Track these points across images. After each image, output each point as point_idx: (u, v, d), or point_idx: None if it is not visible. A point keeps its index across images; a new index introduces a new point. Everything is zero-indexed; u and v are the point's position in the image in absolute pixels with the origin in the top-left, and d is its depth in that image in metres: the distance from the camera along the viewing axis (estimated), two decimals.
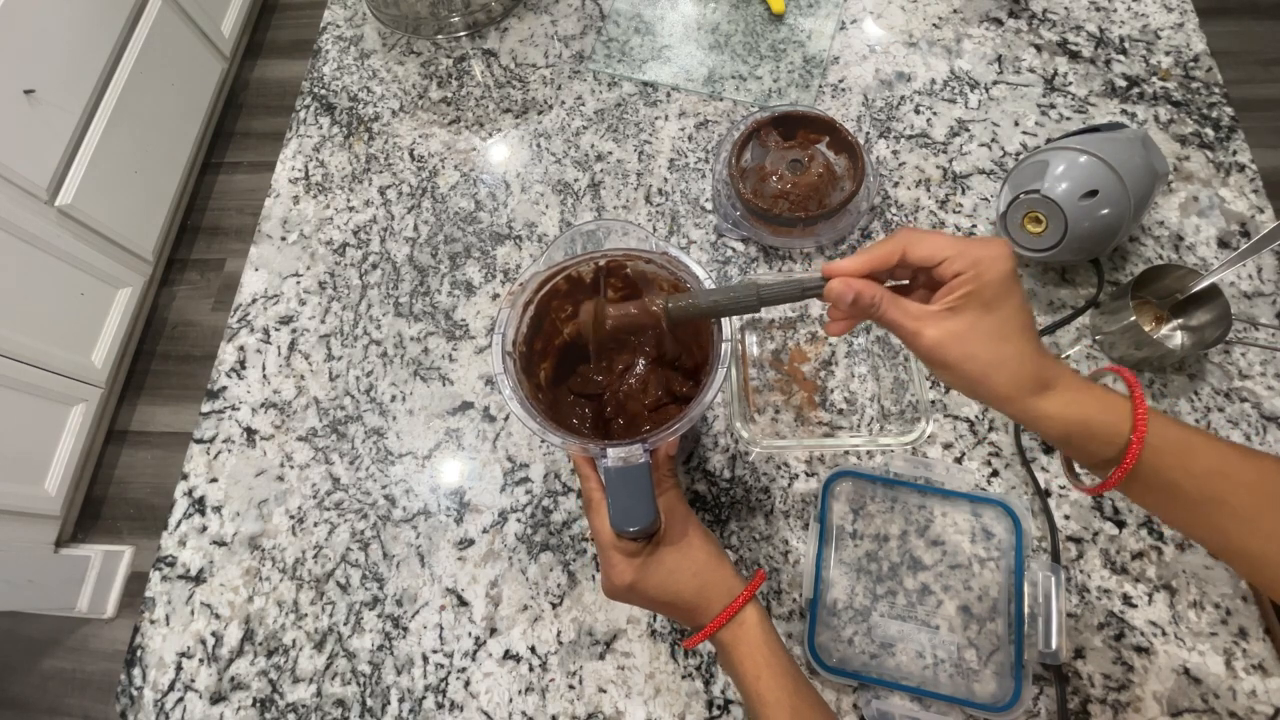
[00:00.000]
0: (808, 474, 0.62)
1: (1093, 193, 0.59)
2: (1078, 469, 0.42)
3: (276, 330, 0.72)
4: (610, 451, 0.42)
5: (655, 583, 0.43)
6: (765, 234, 0.70)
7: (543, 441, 0.62)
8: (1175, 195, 0.71)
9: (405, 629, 0.59)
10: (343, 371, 0.70)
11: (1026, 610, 0.55)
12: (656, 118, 0.80)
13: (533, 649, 0.58)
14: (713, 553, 0.45)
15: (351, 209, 0.78)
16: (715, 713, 0.55)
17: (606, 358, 0.61)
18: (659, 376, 0.60)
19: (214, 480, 0.66)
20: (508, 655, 0.58)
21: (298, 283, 0.74)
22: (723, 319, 0.47)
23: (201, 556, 0.63)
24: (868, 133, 0.77)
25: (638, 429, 0.58)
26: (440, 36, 0.88)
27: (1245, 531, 0.36)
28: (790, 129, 0.72)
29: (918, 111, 0.77)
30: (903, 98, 0.78)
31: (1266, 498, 0.35)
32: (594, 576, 0.60)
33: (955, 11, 0.83)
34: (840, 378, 0.65)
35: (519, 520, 0.62)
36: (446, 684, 0.57)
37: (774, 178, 0.70)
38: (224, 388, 0.70)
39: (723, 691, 0.55)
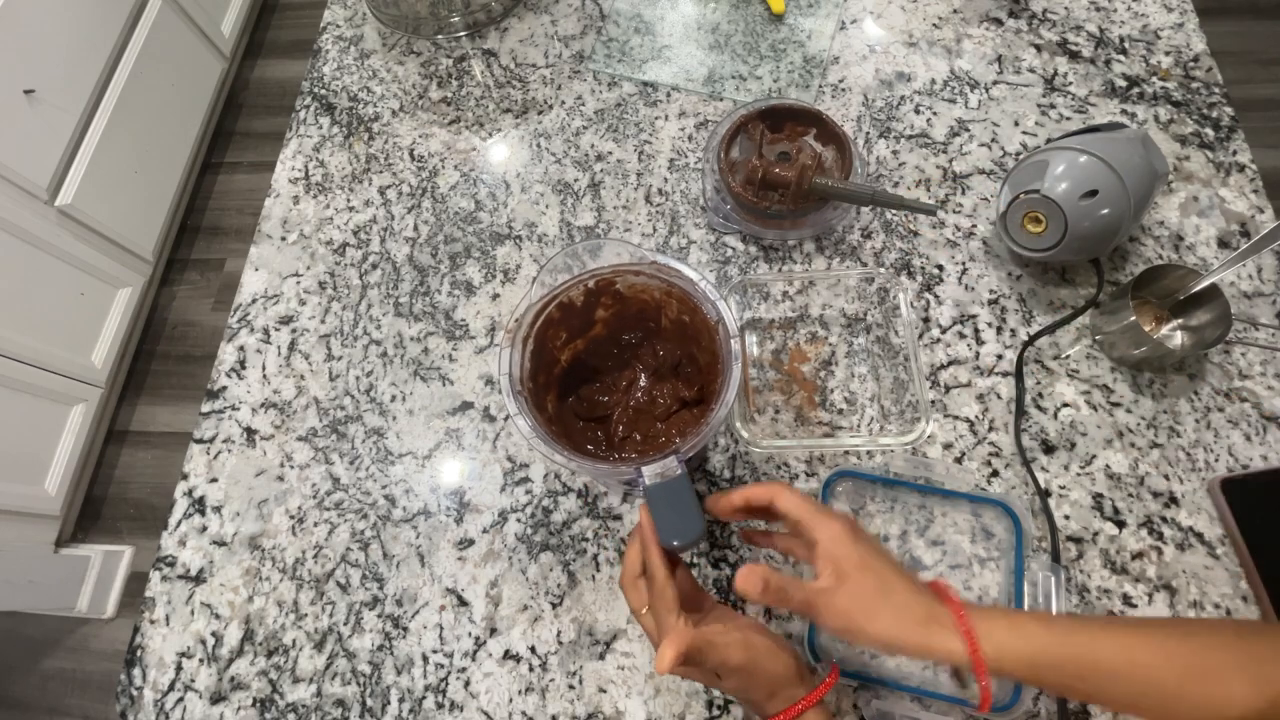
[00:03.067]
0: (808, 474, 0.62)
1: (1093, 193, 0.59)
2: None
3: (276, 330, 0.72)
4: (645, 470, 0.42)
5: (734, 680, 0.43)
6: (756, 226, 0.70)
7: (573, 474, 0.62)
8: (1175, 195, 0.71)
9: (405, 629, 0.59)
10: (343, 371, 0.70)
11: (1026, 610, 0.55)
12: (656, 118, 0.80)
13: (533, 649, 0.58)
14: (772, 651, 0.44)
15: (351, 209, 0.78)
16: (715, 713, 0.55)
17: (609, 376, 0.61)
18: (665, 386, 0.60)
19: (214, 480, 0.66)
20: (508, 655, 0.58)
21: (298, 283, 0.74)
22: (725, 313, 0.48)
23: (201, 556, 0.63)
24: (868, 132, 0.77)
25: (655, 441, 0.58)
26: (440, 36, 0.88)
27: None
28: (778, 122, 0.73)
29: (918, 111, 0.77)
30: (903, 98, 0.78)
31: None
32: (594, 576, 0.60)
33: (955, 11, 0.83)
34: (840, 378, 0.65)
35: (519, 520, 0.62)
36: (446, 684, 0.57)
37: (762, 170, 0.70)
38: (224, 388, 0.70)
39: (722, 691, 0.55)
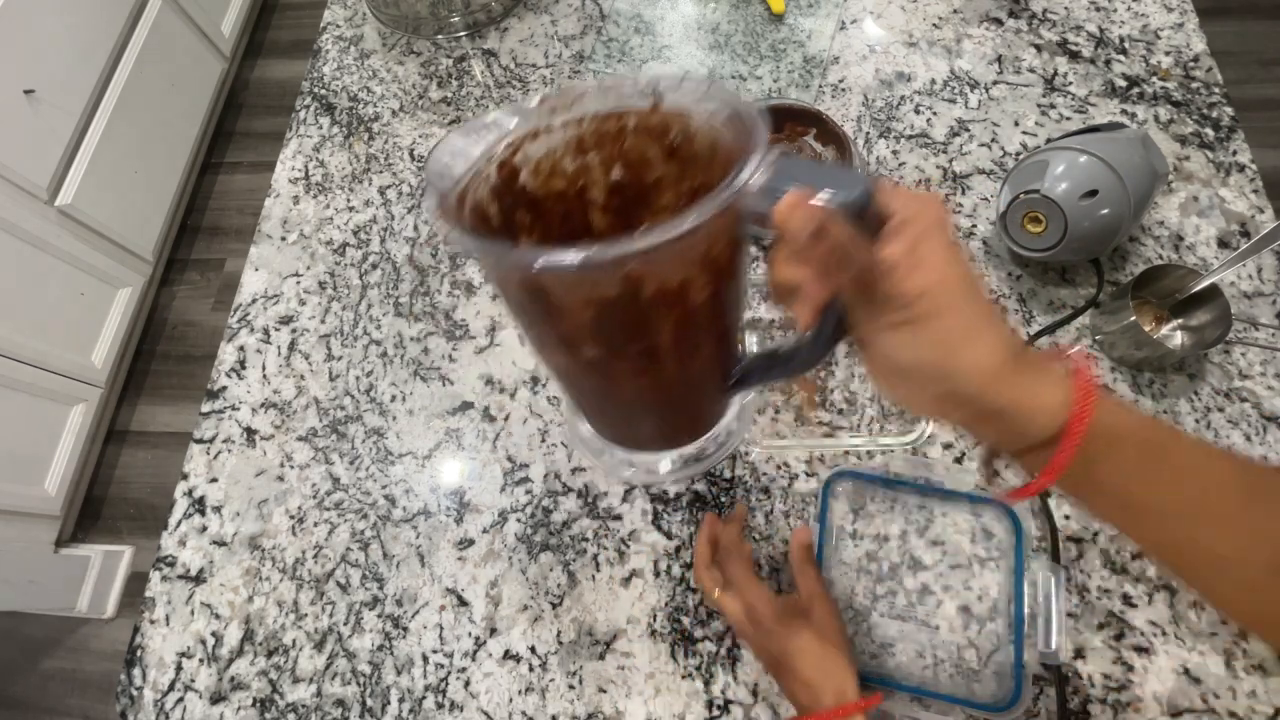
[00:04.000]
0: (808, 474, 0.62)
1: (1093, 193, 0.59)
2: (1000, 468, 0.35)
3: (276, 330, 0.72)
4: (748, 178, 0.26)
5: (788, 639, 0.47)
6: (756, 226, 0.70)
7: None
8: (1175, 195, 0.71)
9: (405, 629, 0.59)
10: (343, 371, 0.70)
11: (1026, 610, 0.55)
12: None
13: (533, 649, 0.58)
14: (844, 649, 0.48)
15: (351, 209, 0.78)
16: (715, 713, 0.55)
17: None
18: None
19: (214, 480, 0.66)
20: (508, 655, 0.58)
21: (298, 283, 0.74)
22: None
23: (201, 556, 0.63)
24: (868, 132, 0.77)
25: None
26: (440, 36, 0.88)
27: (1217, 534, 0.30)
28: (778, 122, 0.73)
29: (918, 111, 0.77)
30: (903, 98, 0.78)
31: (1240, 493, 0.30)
32: (594, 576, 0.60)
33: (955, 11, 0.83)
34: (840, 378, 0.65)
35: (519, 520, 0.62)
36: (446, 684, 0.57)
37: None
38: (224, 388, 0.70)
39: (722, 691, 0.55)
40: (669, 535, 0.61)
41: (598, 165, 0.36)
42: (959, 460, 0.61)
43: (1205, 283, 0.60)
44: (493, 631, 0.59)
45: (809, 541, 0.55)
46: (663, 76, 0.32)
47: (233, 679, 0.59)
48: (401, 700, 0.57)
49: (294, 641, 0.59)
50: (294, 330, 0.72)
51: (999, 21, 0.82)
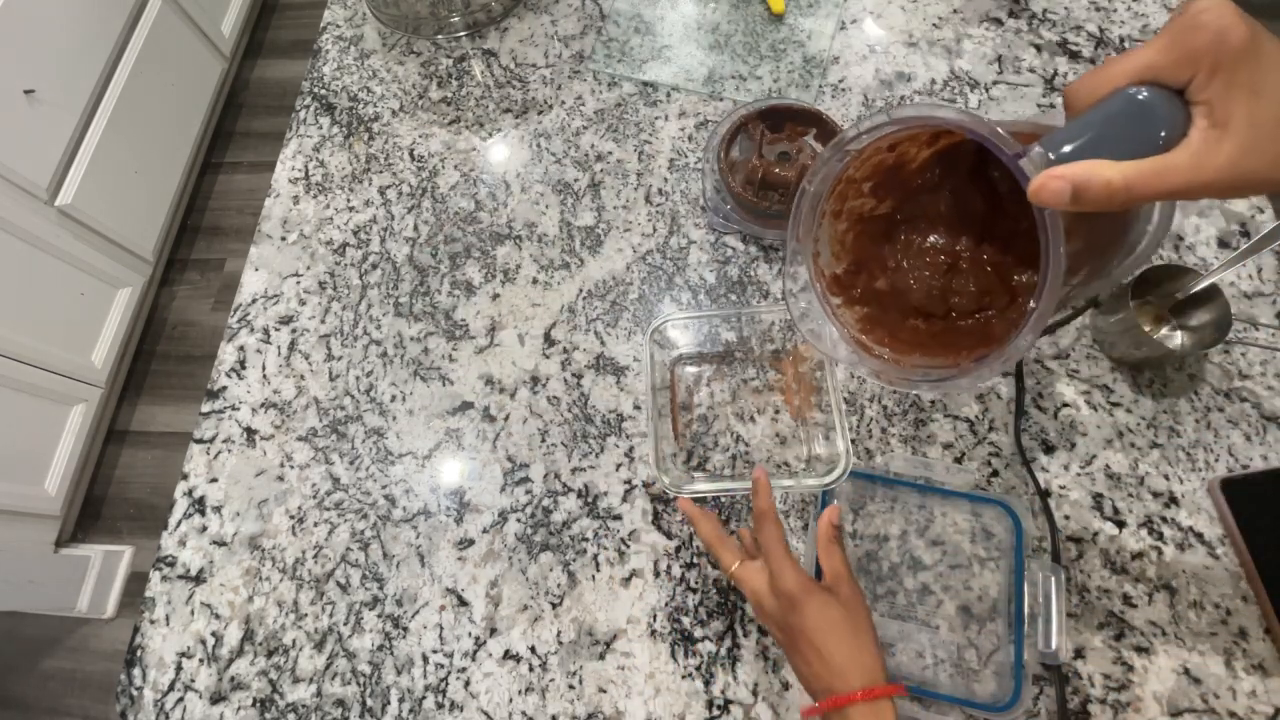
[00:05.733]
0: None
1: None
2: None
3: (276, 330, 0.72)
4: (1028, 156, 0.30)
5: (816, 613, 0.44)
6: (756, 226, 0.70)
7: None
8: None
9: (405, 629, 0.59)
10: (343, 371, 0.70)
11: (1026, 610, 0.55)
12: (656, 118, 0.80)
13: (533, 649, 0.58)
14: (870, 632, 0.45)
15: (351, 209, 0.78)
16: (715, 713, 0.55)
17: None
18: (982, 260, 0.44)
19: (214, 480, 0.66)
20: (508, 655, 0.58)
21: (298, 283, 0.74)
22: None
23: (201, 556, 0.63)
24: None
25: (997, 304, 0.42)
26: (440, 36, 0.88)
27: None
28: (778, 122, 0.73)
29: None
30: (903, 98, 0.78)
31: None
32: (594, 576, 0.60)
33: (955, 11, 0.83)
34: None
35: (519, 520, 0.62)
36: (446, 684, 0.57)
37: (762, 170, 0.70)
38: (224, 388, 0.70)
39: (723, 691, 0.55)
40: (669, 535, 0.61)
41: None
42: (959, 460, 0.61)
43: (1205, 283, 0.60)
44: (493, 631, 0.59)
45: (838, 521, 0.49)
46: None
47: (233, 679, 0.59)
48: (401, 700, 0.57)
49: (294, 641, 0.59)
50: (294, 330, 0.72)
51: (999, 21, 0.82)
